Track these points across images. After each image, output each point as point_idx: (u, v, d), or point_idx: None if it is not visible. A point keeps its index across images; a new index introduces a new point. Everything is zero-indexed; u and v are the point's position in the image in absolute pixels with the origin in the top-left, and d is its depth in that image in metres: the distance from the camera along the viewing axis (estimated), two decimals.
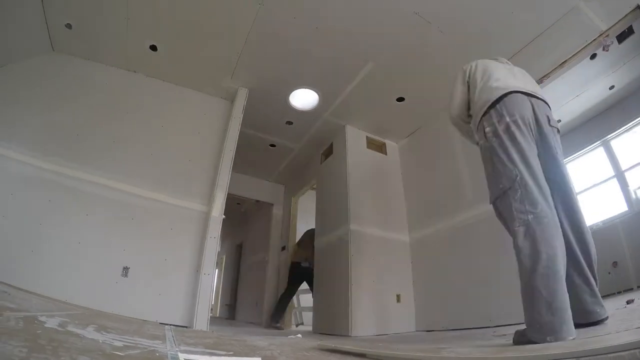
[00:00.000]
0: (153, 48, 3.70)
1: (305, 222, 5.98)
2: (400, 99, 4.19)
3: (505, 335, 2.01)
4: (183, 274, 3.35)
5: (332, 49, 3.56)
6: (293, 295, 5.26)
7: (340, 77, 3.94)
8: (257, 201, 6.73)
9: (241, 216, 8.31)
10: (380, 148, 4.75)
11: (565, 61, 2.99)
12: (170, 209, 3.55)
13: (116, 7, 3.25)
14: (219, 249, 10.62)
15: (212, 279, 3.37)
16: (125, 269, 3.15)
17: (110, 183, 3.37)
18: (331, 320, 3.87)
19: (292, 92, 4.19)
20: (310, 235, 5.19)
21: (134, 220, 3.35)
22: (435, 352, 1.44)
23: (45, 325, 1.11)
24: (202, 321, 3.10)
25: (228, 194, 3.69)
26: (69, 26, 3.45)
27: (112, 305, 2.87)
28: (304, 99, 4.27)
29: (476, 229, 3.38)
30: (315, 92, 4.16)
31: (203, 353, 1.23)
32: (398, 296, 3.88)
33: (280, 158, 5.78)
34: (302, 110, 4.44)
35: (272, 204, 6.58)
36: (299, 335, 3.01)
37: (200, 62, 3.87)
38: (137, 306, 3.00)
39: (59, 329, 1.13)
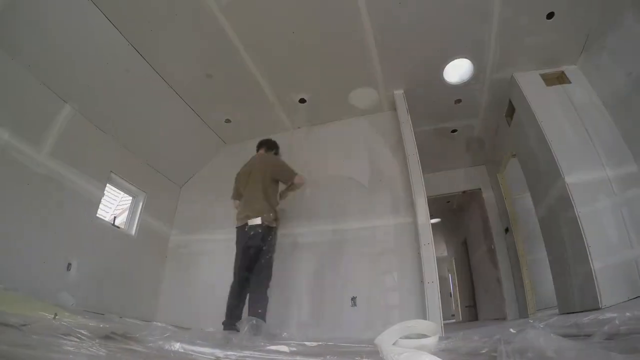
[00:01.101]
0: (302, 101, 4.46)
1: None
2: (550, 15, 3.45)
3: None
4: (406, 290, 3.52)
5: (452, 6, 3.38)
6: None
7: (477, 27, 3.61)
8: (464, 192, 6.51)
9: (455, 213, 8.11)
10: (561, 79, 3.98)
11: None
12: (380, 230, 3.91)
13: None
14: (445, 253, 10.54)
15: (436, 286, 3.26)
16: (353, 298, 3.59)
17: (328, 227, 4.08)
18: (572, 295, 3.34)
19: (443, 70, 4.09)
20: None
21: (351, 250, 3.86)
22: None
23: None
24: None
25: (431, 195, 3.82)
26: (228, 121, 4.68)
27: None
28: (458, 71, 4.09)
29: None
30: (465, 58, 3.95)
31: None
32: None
33: (467, 139, 5.53)
34: (462, 83, 4.23)
35: (479, 189, 6.26)
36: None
37: (348, 91, 4.33)
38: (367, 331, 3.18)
39: None
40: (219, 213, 4.66)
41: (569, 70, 4.00)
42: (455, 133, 5.30)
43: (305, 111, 4.62)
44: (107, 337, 1.93)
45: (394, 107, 4.42)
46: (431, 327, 1.55)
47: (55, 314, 2.08)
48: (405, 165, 3.97)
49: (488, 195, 6.09)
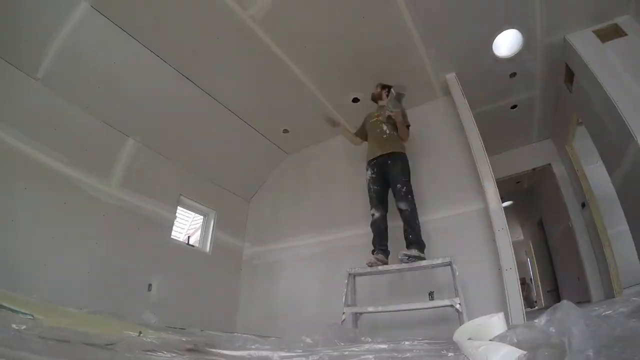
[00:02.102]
0: (355, 100, 4.55)
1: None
2: None
3: None
4: (483, 279, 3.37)
5: None
6: None
7: None
8: (534, 169, 6.15)
9: (527, 193, 7.67)
10: (616, 32, 3.63)
11: None
12: (451, 220, 3.81)
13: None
14: (521, 237, 9.98)
15: (514, 273, 3.10)
16: (431, 293, 3.50)
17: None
18: None
19: (492, 45, 3.93)
20: None
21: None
22: None
23: None
24: (517, 318, 2.91)
25: (500, 177, 3.66)
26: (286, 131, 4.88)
27: None
28: (507, 43, 3.91)
29: None
30: (512, 28, 3.77)
31: None
32: None
33: (528, 114, 5.23)
34: (514, 54, 4.03)
35: (549, 165, 5.88)
36: None
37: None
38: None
39: None
40: (286, 222, 4.80)
41: (623, 21, 3.64)
42: (515, 109, 5.05)
43: (361, 110, 4.61)
44: (190, 350, 2.05)
45: (448, 92, 4.31)
46: (499, 321, 1.54)
47: (140, 332, 2.24)
48: (468, 150, 3.83)
49: (559, 170, 5.71)
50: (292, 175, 5.25)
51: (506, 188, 6.34)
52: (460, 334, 1.57)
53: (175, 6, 3.38)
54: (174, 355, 1.75)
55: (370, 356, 1.74)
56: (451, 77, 4.18)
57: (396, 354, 1.79)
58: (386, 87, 3.87)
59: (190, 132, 4.52)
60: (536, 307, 9.24)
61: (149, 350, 1.74)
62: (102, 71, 3.61)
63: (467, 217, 3.71)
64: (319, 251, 4.30)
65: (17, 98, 3.24)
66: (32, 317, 1.92)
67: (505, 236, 3.24)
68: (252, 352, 2.08)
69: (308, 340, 2.48)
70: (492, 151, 3.89)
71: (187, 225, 5.53)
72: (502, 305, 3.05)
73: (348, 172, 4.62)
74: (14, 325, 1.50)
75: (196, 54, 3.85)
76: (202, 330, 3.22)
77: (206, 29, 3.60)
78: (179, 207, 4.62)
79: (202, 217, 5.17)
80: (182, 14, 3.45)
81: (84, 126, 3.71)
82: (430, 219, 3.79)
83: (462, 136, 3.97)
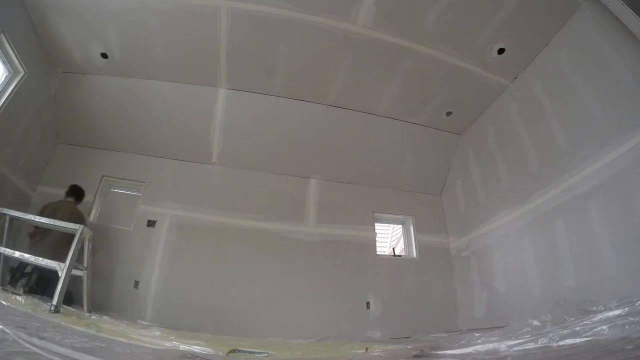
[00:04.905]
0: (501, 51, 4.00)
1: None
2: None
3: None
4: None
5: None
6: None
7: None
8: None
9: None
10: None
11: None
12: None
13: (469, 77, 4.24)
14: None
15: None
16: None
17: None
18: None
19: None
20: None
21: None
22: None
23: None
24: None
25: None
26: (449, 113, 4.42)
27: None
28: None
29: None
30: None
31: None
32: None
33: None
34: None
35: None
36: None
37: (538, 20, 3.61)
38: None
39: None
40: (484, 202, 4.43)
41: None
42: None
43: (510, 60, 3.99)
44: (417, 356, 2.09)
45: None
46: None
47: (366, 348, 2.41)
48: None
49: None
50: (472, 153, 4.81)
51: None
52: None
53: (299, 56, 3.88)
54: None
55: (605, 326, 1.60)
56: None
57: (632, 319, 1.60)
58: None
59: (361, 152, 4.85)
60: None
61: None
62: (265, 132, 4.40)
63: None
64: (526, 222, 3.70)
65: (198, 182, 4.43)
66: (267, 354, 2.34)
67: None
68: (478, 347, 2.04)
69: (535, 322, 2.30)
70: None
71: (389, 238, 5.72)
72: None
73: (528, 126, 3.90)
74: None
75: (331, 82, 4.25)
76: (424, 335, 3.24)
77: (333, 57, 4.00)
78: (375, 224, 4.88)
79: (400, 225, 5.28)
80: (307, 55, 3.96)
81: (269, 186, 4.55)
82: None
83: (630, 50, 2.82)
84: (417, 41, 3.90)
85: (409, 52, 3.98)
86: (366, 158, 4.90)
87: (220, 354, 2.12)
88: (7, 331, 1.11)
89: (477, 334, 2.36)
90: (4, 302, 2.27)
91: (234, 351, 2.29)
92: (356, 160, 4.87)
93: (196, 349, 2.10)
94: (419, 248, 4.80)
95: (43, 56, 3.92)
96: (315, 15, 3.64)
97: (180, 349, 2.06)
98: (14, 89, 3.66)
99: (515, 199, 3.92)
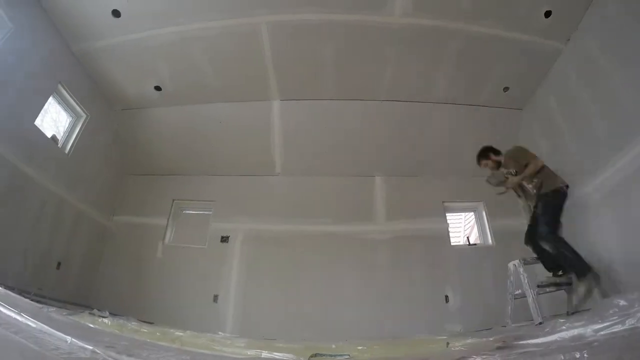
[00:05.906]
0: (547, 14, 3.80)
1: None
2: None
3: None
4: None
5: None
6: None
7: None
8: None
9: None
10: None
11: None
12: None
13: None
14: None
15: None
16: None
17: None
18: None
19: None
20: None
21: None
22: None
23: None
24: None
25: None
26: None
27: None
28: None
29: None
30: None
31: None
32: None
33: None
34: None
35: None
36: None
37: None
38: None
39: None
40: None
41: None
42: None
43: (557, 22, 3.74)
44: (500, 347, 2.07)
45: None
46: None
47: (447, 343, 2.40)
48: None
49: None
50: (538, 127, 4.52)
51: None
52: None
53: (344, 56, 4.10)
54: (484, 357, 1.84)
55: None
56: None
57: None
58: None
59: (421, 143, 4.85)
60: None
61: (459, 359, 1.88)
62: (323, 136, 4.63)
63: None
64: (604, 193, 3.40)
65: (265, 194, 4.80)
66: (348, 356, 2.43)
67: None
68: (562, 334, 1.97)
69: (622, 302, 2.08)
70: None
71: (463, 227, 5.53)
72: None
73: (590, 89, 3.58)
74: None
75: (380, 77, 4.36)
76: (503, 327, 3.13)
77: (377, 51, 4.09)
78: (447, 214, 4.79)
79: (472, 213, 5.12)
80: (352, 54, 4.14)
81: (334, 189, 4.64)
82: None
83: None
84: (459, 20, 3.82)
85: (452, 33, 3.94)
86: (427, 148, 4.85)
87: (302, 359, 2.22)
88: (98, 351, 1.26)
89: (562, 320, 2.27)
90: (91, 325, 2.53)
91: (315, 355, 2.37)
92: (418, 152, 4.84)
93: (277, 355, 2.22)
94: (493, 234, 4.61)
95: (101, 98, 4.46)
96: (352, 13, 3.75)
97: (262, 356, 2.18)
98: (79, 132, 4.24)
99: (587, 169, 3.63)
